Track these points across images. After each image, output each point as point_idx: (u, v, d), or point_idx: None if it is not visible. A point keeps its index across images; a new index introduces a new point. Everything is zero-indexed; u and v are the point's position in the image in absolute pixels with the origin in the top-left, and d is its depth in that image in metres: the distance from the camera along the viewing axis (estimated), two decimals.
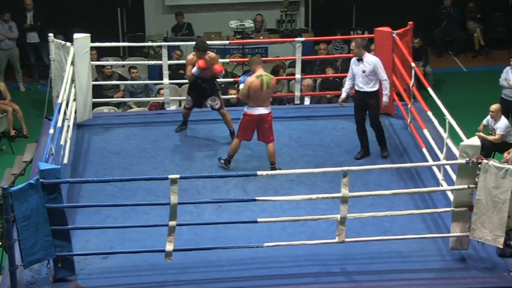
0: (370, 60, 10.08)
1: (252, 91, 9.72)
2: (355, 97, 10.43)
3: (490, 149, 11.87)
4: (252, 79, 9.74)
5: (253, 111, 9.81)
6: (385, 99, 10.21)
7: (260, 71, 9.81)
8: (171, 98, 12.23)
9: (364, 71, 10.05)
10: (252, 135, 10.01)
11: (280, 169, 9.87)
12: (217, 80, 10.90)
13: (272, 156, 9.97)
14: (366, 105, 10.22)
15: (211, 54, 10.73)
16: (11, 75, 16.42)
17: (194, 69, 10.47)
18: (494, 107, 11.93)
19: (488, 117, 12.00)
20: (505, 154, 10.65)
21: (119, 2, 17.19)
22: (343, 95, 10.52)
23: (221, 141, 10.76)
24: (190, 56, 10.69)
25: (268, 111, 9.87)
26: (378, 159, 10.31)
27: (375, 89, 10.15)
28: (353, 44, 10.19)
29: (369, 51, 10.56)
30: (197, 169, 10.12)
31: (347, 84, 10.42)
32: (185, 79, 14.83)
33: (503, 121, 11.92)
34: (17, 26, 16.16)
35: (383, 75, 10.08)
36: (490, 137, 11.95)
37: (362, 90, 10.15)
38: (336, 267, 8.33)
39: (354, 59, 10.20)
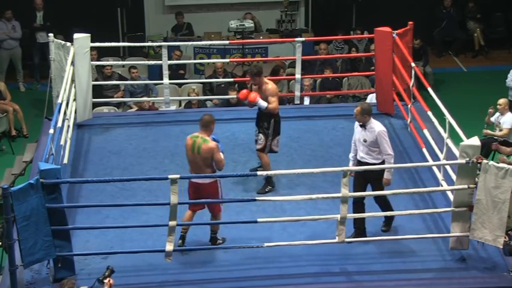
0: (374, 129, 8.58)
1: (186, 152, 8.54)
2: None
3: (490, 148, 11.84)
4: (187, 137, 8.58)
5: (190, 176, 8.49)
6: (386, 175, 8.58)
7: (200, 133, 8.54)
8: (171, 98, 12.23)
9: (365, 140, 8.62)
10: (198, 204, 8.55)
11: (223, 239, 8.72)
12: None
13: (214, 226, 8.62)
14: (368, 178, 8.65)
15: (269, 85, 9.61)
16: (12, 75, 16.39)
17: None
18: (502, 100, 11.88)
19: (498, 113, 11.94)
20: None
21: (119, 2, 17.18)
22: (350, 163, 8.83)
23: (221, 141, 10.73)
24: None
25: (203, 181, 8.39)
26: None
27: (379, 161, 8.63)
28: (358, 108, 8.59)
29: (369, 52, 10.46)
30: None
31: (352, 149, 8.85)
32: (185, 79, 14.98)
33: (509, 115, 11.83)
34: (21, 26, 16.13)
35: (387, 148, 8.56)
36: (499, 133, 11.87)
37: (363, 160, 8.66)
38: (336, 267, 8.34)
39: (356, 123, 8.72)
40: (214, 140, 8.54)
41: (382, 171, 8.57)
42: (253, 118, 11.15)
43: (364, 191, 8.63)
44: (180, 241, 8.47)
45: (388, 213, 8.63)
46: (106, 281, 7.52)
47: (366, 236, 8.68)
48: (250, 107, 9.70)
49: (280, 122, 9.77)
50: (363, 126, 8.62)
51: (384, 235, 8.67)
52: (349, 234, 8.25)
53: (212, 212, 8.61)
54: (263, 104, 9.55)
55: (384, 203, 8.71)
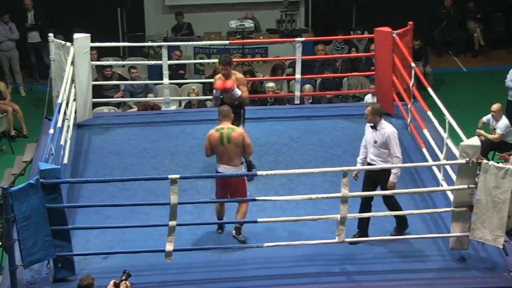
0: (384, 130, 8.53)
1: (213, 146, 8.62)
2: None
3: (488, 148, 11.85)
4: (210, 132, 8.66)
5: (218, 168, 8.67)
6: (391, 178, 8.48)
7: (224, 124, 8.66)
8: (171, 98, 12.23)
9: (375, 141, 8.57)
10: (225, 193, 8.72)
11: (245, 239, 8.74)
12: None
13: (241, 215, 8.69)
14: (376, 180, 8.61)
15: (238, 75, 9.68)
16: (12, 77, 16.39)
17: (214, 91, 9.57)
18: (496, 106, 11.94)
19: (489, 115, 12.01)
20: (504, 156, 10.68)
21: (119, 2, 17.18)
22: (358, 165, 8.75)
23: None
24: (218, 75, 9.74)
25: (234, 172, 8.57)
26: None
27: (388, 163, 8.56)
28: (369, 108, 8.58)
29: (369, 52, 10.44)
30: (197, 169, 10.12)
31: (361, 152, 8.77)
32: (185, 79, 14.98)
33: (504, 121, 11.94)
34: (17, 27, 16.13)
35: (396, 150, 8.49)
36: (490, 136, 11.97)
37: (373, 162, 8.60)
38: (336, 267, 8.34)
39: (368, 124, 8.67)
40: None
41: (390, 173, 8.50)
42: (253, 118, 11.19)
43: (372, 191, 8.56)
44: (220, 230, 8.78)
45: (388, 213, 8.62)
46: (122, 283, 7.54)
47: (367, 236, 8.64)
48: (223, 94, 9.60)
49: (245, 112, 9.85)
50: (374, 127, 8.57)
51: (384, 235, 8.66)
52: (350, 234, 8.24)
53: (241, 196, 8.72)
54: (238, 92, 9.57)
55: (391, 206, 8.64)
